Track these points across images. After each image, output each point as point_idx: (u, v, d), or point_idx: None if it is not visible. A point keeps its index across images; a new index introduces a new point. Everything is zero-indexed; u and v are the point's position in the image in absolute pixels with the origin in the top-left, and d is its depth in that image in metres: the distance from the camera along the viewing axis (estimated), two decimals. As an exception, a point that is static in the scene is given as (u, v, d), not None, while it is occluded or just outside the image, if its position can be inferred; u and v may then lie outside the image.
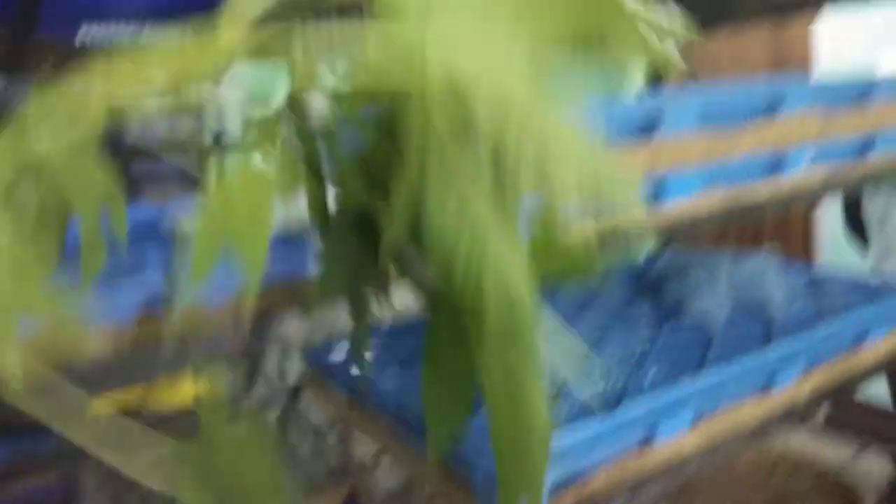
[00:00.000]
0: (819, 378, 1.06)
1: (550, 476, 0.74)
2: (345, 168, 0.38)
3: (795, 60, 2.27)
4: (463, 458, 0.76)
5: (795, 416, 1.03)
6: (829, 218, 2.23)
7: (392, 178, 0.31)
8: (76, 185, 0.39)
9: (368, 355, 0.96)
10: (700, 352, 1.02)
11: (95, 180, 0.40)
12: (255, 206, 0.33)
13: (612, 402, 0.86)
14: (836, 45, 2.11)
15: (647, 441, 0.85)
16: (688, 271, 1.22)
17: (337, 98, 0.34)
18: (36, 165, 0.33)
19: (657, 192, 0.77)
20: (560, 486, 0.76)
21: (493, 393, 0.33)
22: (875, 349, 1.16)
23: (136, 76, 0.33)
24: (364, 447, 1.51)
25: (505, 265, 0.28)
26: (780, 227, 2.41)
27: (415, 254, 0.34)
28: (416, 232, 0.30)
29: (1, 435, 1.71)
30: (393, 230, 0.32)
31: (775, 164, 0.87)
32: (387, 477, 2.00)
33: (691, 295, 1.16)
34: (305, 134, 0.40)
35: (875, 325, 1.15)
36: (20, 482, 1.55)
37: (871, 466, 1.72)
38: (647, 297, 1.29)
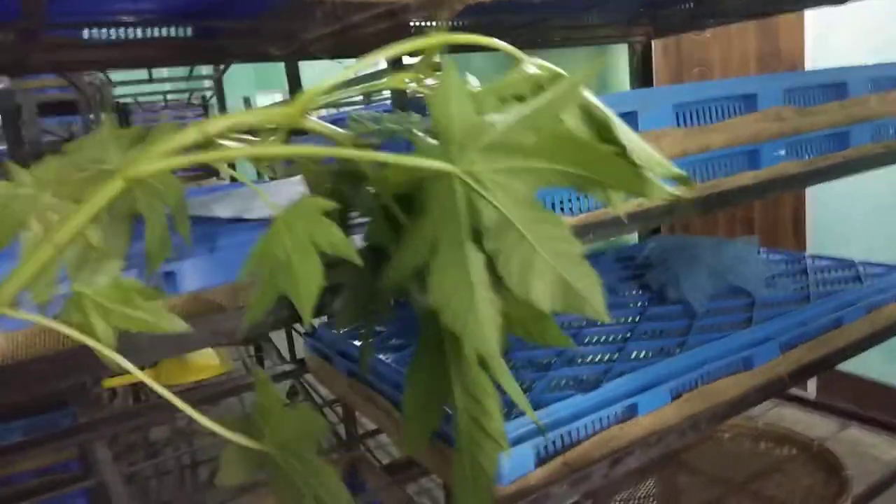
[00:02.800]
0: (798, 356, 1.11)
1: (539, 443, 0.81)
2: (375, 213, 0.47)
3: (786, 53, 2.29)
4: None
5: (774, 391, 1.08)
6: (818, 210, 2.28)
7: (407, 233, 0.40)
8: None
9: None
10: (682, 334, 1.08)
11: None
12: (307, 254, 0.39)
13: (596, 380, 0.92)
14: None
15: (629, 415, 0.91)
16: (671, 257, 1.27)
17: (377, 173, 0.42)
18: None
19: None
20: (549, 454, 0.82)
21: (460, 401, 0.43)
22: (855, 329, 1.21)
23: None
24: (366, 423, 1.57)
25: (484, 318, 0.37)
26: (770, 220, 2.45)
27: (415, 286, 0.43)
28: (419, 273, 0.39)
29: (17, 412, 1.77)
30: (400, 270, 0.41)
31: (751, 158, 0.92)
32: (387, 452, 2.08)
33: (674, 280, 1.21)
34: (346, 178, 0.50)
35: (855, 306, 1.20)
36: (36, 458, 1.58)
37: (855, 438, 1.78)
38: (633, 282, 1.35)
